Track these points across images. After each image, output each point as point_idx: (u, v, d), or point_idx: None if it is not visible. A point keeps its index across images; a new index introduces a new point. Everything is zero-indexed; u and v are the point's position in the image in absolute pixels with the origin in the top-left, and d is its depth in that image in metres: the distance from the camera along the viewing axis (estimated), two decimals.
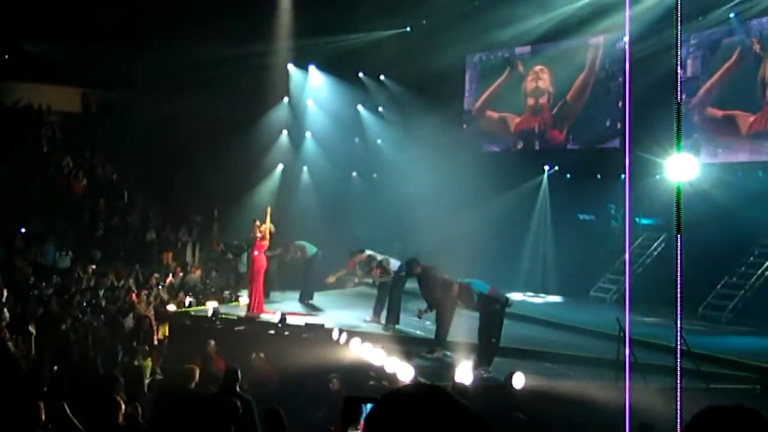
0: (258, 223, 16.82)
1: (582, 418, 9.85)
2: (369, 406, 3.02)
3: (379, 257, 16.36)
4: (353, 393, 9.43)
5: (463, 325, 13.59)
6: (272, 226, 16.88)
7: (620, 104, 22.40)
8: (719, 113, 20.28)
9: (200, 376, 9.24)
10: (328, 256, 19.40)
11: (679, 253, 6.38)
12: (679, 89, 19.67)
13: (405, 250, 18.50)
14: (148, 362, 11.47)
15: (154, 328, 15.72)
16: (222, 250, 23.59)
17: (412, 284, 15.58)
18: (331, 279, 17.97)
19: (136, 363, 11.10)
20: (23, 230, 23.80)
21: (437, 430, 1.80)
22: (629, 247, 20.70)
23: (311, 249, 18.56)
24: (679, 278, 6.34)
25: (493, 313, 12.67)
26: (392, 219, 24.17)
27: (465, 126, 26.42)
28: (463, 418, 1.84)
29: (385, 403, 1.88)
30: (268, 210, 17.08)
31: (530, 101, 24.42)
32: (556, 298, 20.05)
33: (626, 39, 21.97)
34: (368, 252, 16.64)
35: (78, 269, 21.30)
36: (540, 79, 24.19)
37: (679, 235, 6.34)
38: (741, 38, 19.93)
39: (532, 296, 20.47)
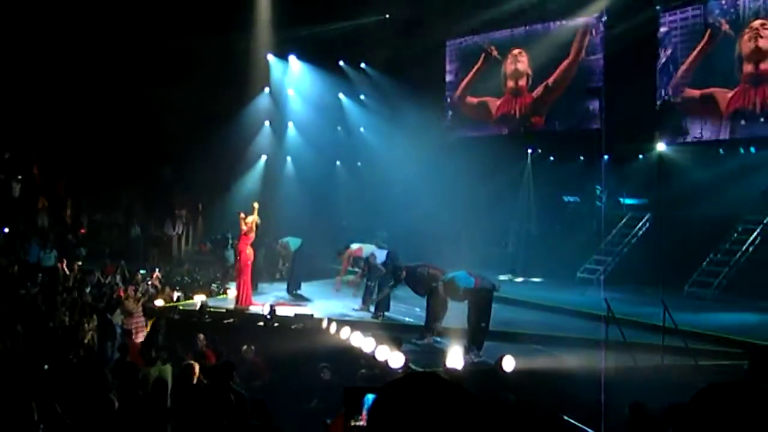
0: (243, 215, 16.81)
1: (572, 398, 9.90)
2: (371, 396, 3.03)
3: (365, 251, 16.30)
4: (346, 382, 9.45)
5: (453, 311, 13.64)
6: (258, 218, 16.88)
7: (601, 85, 22.49)
8: (697, 93, 20.36)
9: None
10: (315, 245, 19.42)
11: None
12: (657, 70, 19.64)
13: (390, 237, 18.53)
14: (167, 368, 11.28)
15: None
16: (210, 249, 23.41)
17: None
18: (338, 286, 17.88)
19: (128, 359, 11.06)
20: (6, 230, 23.73)
21: (440, 416, 1.82)
22: (605, 227, 20.83)
23: (294, 243, 18.52)
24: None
25: (481, 298, 12.71)
26: (377, 206, 24.17)
27: (447, 112, 26.43)
28: (465, 404, 1.85)
29: (387, 393, 1.89)
30: (256, 206, 17.03)
31: (510, 83, 24.48)
32: (544, 281, 20.13)
33: (604, 19, 22.09)
34: (353, 246, 16.62)
35: (63, 267, 21.22)
36: (518, 62, 24.24)
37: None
38: (715, 18, 19.99)
39: (519, 279, 20.52)
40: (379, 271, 15.80)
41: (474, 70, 25.36)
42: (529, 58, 23.96)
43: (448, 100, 26.32)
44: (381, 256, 15.92)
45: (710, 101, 20.04)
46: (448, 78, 26.28)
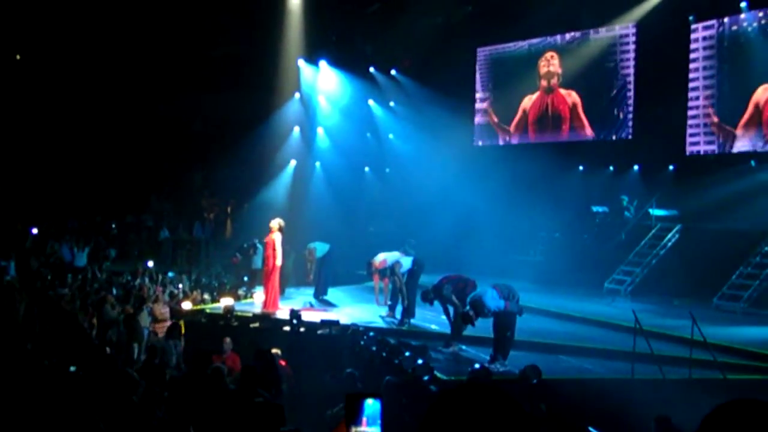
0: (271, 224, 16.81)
1: (598, 409, 9.85)
2: (371, 401, 3.06)
3: (389, 260, 16.20)
4: (372, 389, 9.45)
5: (479, 320, 13.61)
6: (281, 221, 16.78)
7: (632, 95, 22.44)
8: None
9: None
10: (342, 251, 19.42)
11: None
12: (689, 81, 19.40)
13: (419, 244, 18.50)
14: None
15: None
16: (240, 260, 23.32)
17: (426, 278, 15.62)
18: (378, 301, 17.67)
19: (156, 362, 11.10)
20: (35, 231, 23.99)
21: (495, 426, 1.82)
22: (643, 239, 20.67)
23: (321, 249, 18.44)
24: None
25: (507, 315, 12.56)
26: (405, 213, 24.20)
27: (477, 119, 26.47)
28: (520, 418, 1.86)
29: (442, 404, 1.89)
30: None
31: (543, 83, 24.67)
32: (571, 291, 20.00)
33: (636, 29, 22.02)
34: (377, 259, 16.51)
35: (93, 268, 21.42)
36: (551, 65, 24.42)
37: None
38: (750, 27, 19.90)
39: (546, 289, 20.37)
40: (402, 281, 15.66)
41: (506, 75, 25.57)
42: (560, 59, 24.06)
43: (479, 107, 26.38)
44: (406, 263, 15.84)
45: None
46: (479, 84, 26.34)
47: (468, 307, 12.76)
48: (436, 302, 14.27)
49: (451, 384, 11.11)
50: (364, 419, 3.03)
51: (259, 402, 7.08)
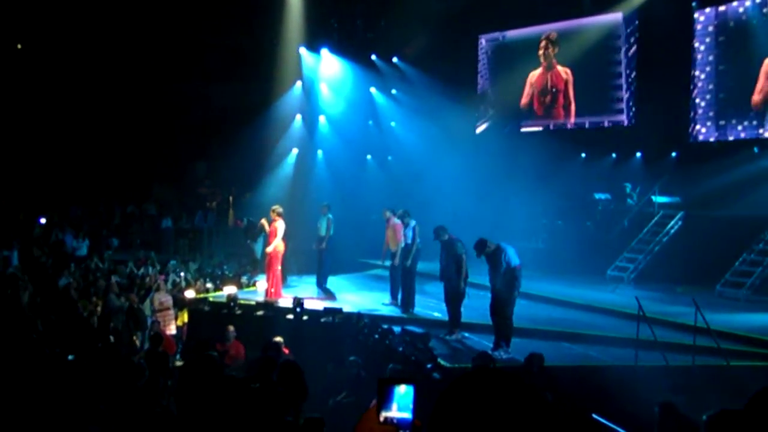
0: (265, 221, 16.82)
1: (602, 397, 9.86)
2: (402, 386, 3.05)
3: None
4: (375, 377, 9.45)
5: (478, 309, 13.63)
6: (279, 207, 16.73)
7: (634, 81, 22.42)
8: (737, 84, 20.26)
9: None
10: (344, 239, 19.37)
11: None
12: (693, 65, 19.29)
13: (421, 232, 18.47)
14: None
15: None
16: (245, 225, 23.22)
17: (425, 265, 15.65)
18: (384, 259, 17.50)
19: (160, 350, 11.10)
20: (42, 221, 24.02)
21: (515, 415, 1.82)
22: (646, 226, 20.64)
23: (333, 228, 18.31)
24: None
25: (506, 282, 12.45)
26: (407, 201, 24.12)
27: (481, 107, 26.43)
28: (534, 398, 1.86)
29: (457, 390, 1.88)
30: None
31: (544, 64, 24.71)
32: (574, 278, 19.98)
33: (637, 14, 21.95)
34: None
35: (95, 257, 21.44)
36: (549, 48, 24.46)
37: None
38: (753, 11, 19.84)
39: (549, 276, 20.36)
40: (410, 246, 15.66)
41: (507, 62, 25.53)
42: (562, 44, 24.23)
43: (481, 93, 26.34)
44: (409, 235, 15.88)
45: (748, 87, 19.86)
46: (481, 71, 26.28)
47: (490, 242, 12.70)
48: (429, 295, 14.24)
49: (454, 372, 11.12)
50: (395, 404, 3.04)
51: (256, 388, 7.05)
